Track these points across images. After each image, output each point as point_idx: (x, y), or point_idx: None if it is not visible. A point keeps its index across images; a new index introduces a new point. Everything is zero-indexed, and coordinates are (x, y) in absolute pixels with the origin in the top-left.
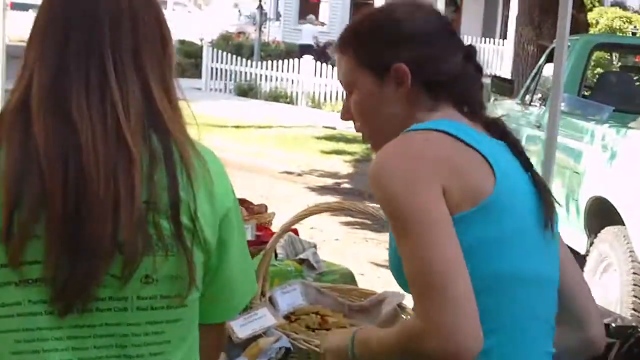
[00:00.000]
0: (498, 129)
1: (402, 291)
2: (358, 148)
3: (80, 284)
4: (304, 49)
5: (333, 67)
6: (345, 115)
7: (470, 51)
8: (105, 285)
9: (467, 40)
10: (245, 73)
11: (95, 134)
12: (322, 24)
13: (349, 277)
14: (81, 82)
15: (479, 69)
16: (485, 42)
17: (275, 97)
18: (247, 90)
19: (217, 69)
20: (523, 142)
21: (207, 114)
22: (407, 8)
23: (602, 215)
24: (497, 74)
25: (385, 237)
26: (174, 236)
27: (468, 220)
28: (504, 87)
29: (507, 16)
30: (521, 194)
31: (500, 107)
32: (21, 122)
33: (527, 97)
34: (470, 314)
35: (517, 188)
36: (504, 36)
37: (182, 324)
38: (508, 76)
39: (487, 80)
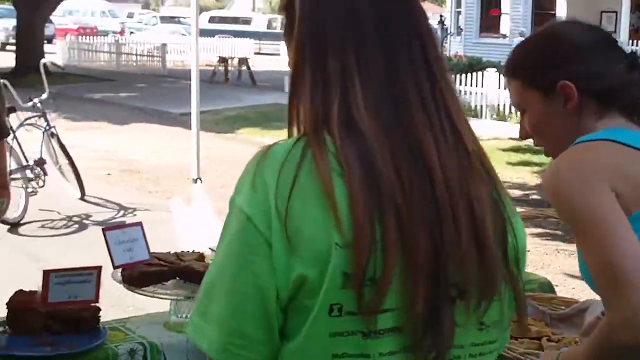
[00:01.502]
0: None
1: None
2: (545, 159)
3: (440, 330)
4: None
5: None
6: (522, 133)
7: (634, 58)
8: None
9: None
10: None
11: (445, 160)
12: (504, 36)
13: (547, 286)
14: (416, 97)
15: None
16: None
17: None
18: None
19: None
20: None
21: None
22: (565, 27)
23: None
24: None
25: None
26: (505, 278)
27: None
28: None
29: None
30: None
31: None
32: (351, 142)
33: None
34: None
35: None
36: None
37: None
38: None
39: None
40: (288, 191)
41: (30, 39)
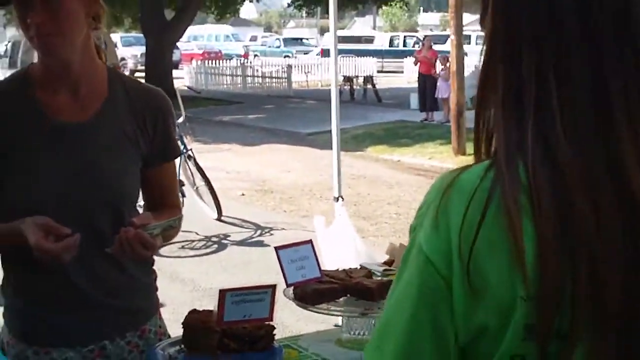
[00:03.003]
0: None
1: None
2: None
3: None
4: None
5: None
6: None
7: None
8: None
9: None
10: None
11: None
12: None
13: None
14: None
15: None
16: None
17: None
18: None
19: None
20: None
21: None
22: None
23: None
24: None
25: None
26: None
27: None
28: None
29: None
30: None
31: None
32: (546, 174)
33: None
34: None
35: None
36: None
37: None
38: None
39: None
40: (473, 235)
41: (159, 64)
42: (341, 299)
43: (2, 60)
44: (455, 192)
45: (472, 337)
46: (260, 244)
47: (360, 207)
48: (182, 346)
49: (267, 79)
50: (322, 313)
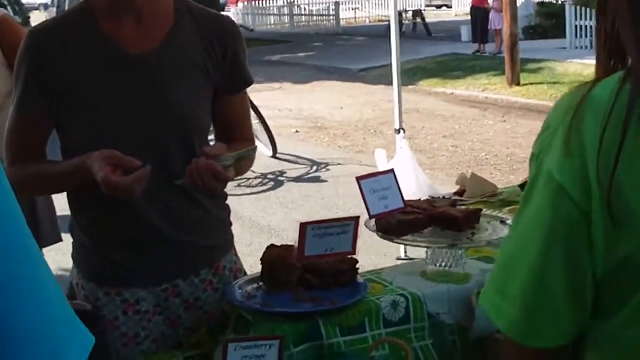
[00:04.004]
0: None
1: None
2: None
3: None
4: None
5: None
6: None
7: None
8: None
9: None
10: None
11: None
12: None
13: None
14: None
15: None
16: None
17: None
18: None
19: (581, 26)
20: None
21: (575, 72)
22: None
23: None
24: None
25: None
26: None
27: None
28: None
29: None
30: None
31: None
32: None
33: None
34: None
35: None
36: None
37: None
38: None
39: None
40: (613, 158)
41: (207, 6)
42: (426, 230)
43: (49, 10)
44: (588, 110)
45: (611, 271)
46: (317, 179)
47: (415, 140)
48: (260, 283)
49: (315, 17)
50: (408, 244)
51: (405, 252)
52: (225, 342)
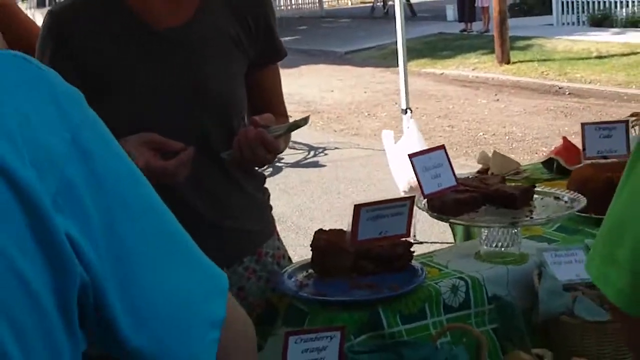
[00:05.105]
0: None
1: None
2: None
3: None
4: None
5: None
6: None
7: None
8: None
9: None
10: (599, 2)
11: None
12: None
13: None
14: None
15: None
16: None
17: (634, 22)
18: (601, 20)
19: (568, 2)
20: None
21: (565, 49)
22: None
23: None
24: None
25: None
26: None
27: None
28: None
29: None
30: None
31: None
32: None
33: None
34: None
35: None
36: None
37: None
38: None
39: None
40: None
41: None
42: (481, 209)
43: None
44: None
45: None
46: (316, 164)
47: None
48: (310, 270)
49: (298, 1)
50: (465, 225)
51: (414, 235)
52: (286, 335)
